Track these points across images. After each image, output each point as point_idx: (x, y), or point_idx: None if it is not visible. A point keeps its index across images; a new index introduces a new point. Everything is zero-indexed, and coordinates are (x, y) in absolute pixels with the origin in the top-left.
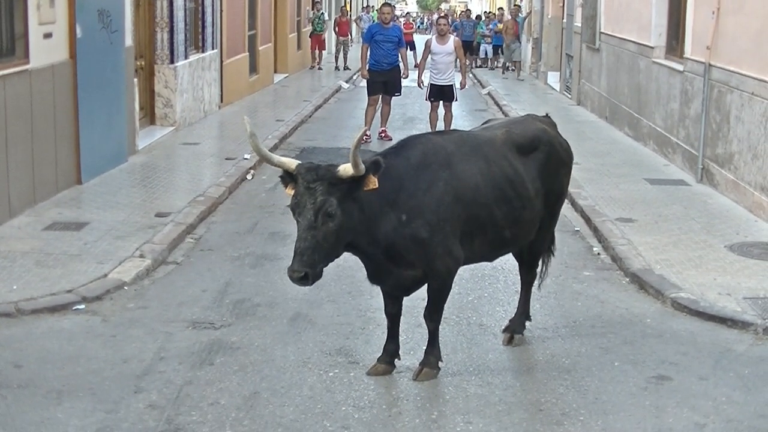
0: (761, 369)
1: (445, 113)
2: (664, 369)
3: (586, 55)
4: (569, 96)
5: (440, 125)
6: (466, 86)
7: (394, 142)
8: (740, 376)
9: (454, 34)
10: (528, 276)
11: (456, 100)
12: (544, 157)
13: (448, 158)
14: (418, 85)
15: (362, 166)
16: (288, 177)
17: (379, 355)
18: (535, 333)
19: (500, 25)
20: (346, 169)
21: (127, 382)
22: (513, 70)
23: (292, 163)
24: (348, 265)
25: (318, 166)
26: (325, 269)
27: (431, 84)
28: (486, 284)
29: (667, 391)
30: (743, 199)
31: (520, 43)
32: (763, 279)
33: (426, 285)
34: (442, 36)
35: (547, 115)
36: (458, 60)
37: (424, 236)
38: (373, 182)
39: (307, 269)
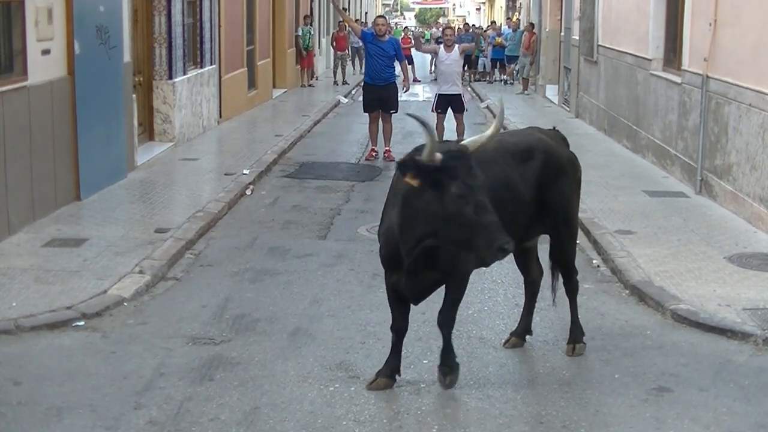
0: (761, 379)
1: (457, 125)
2: (664, 381)
3: (584, 68)
4: (568, 109)
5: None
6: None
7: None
8: (741, 387)
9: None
10: (568, 286)
11: (466, 110)
12: (540, 165)
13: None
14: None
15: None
16: (419, 168)
17: (379, 369)
18: (535, 346)
19: (499, 39)
20: (474, 143)
21: (127, 398)
22: (511, 83)
23: (438, 156)
24: (347, 280)
25: (464, 147)
26: (326, 284)
27: (438, 95)
28: (486, 298)
29: (668, 402)
30: (742, 210)
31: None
32: (762, 290)
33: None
34: (448, 46)
35: (555, 128)
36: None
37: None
38: None
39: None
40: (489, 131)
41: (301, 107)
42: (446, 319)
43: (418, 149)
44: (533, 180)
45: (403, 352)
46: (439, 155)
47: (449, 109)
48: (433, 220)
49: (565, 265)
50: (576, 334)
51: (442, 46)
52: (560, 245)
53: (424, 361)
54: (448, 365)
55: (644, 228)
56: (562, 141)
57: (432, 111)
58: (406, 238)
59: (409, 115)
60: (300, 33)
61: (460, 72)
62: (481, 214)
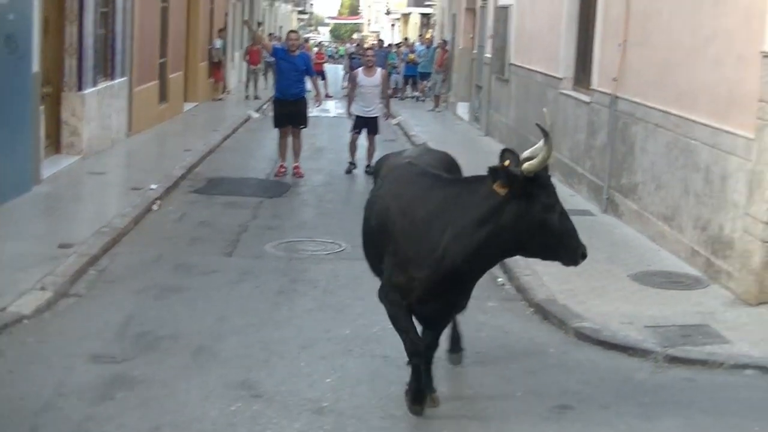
0: (661, 396)
1: (369, 145)
2: (566, 398)
3: (496, 86)
4: (478, 126)
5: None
6: (392, 117)
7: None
8: (641, 404)
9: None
10: None
11: (379, 132)
12: None
13: None
14: (348, 115)
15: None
16: (511, 177)
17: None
18: (438, 364)
19: (411, 56)
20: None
21: (23, 420)
22: (423, 100)
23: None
24: (252, 297)
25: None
26: (231, 301)
27: (357, 116)
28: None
29: (569, 420)
30: (646, 228)
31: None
32: (664, 307)
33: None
34: (369, 68)
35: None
36: (383, 92)
37: None
38: None
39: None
40: (542, 145)
41: (211, 121)
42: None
43: (388, 157)
44: None
45: (306, 371)
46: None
47: (365, 129)
48: (520, 232)
49: None
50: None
51: (361, 69)
52: None
53: (327, 380)
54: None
55: None
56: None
57: (350, 131)
58: (482, 255)
59: (537, 125)
60: (219, 46)
61: (379, 95)
62: (564, 222)
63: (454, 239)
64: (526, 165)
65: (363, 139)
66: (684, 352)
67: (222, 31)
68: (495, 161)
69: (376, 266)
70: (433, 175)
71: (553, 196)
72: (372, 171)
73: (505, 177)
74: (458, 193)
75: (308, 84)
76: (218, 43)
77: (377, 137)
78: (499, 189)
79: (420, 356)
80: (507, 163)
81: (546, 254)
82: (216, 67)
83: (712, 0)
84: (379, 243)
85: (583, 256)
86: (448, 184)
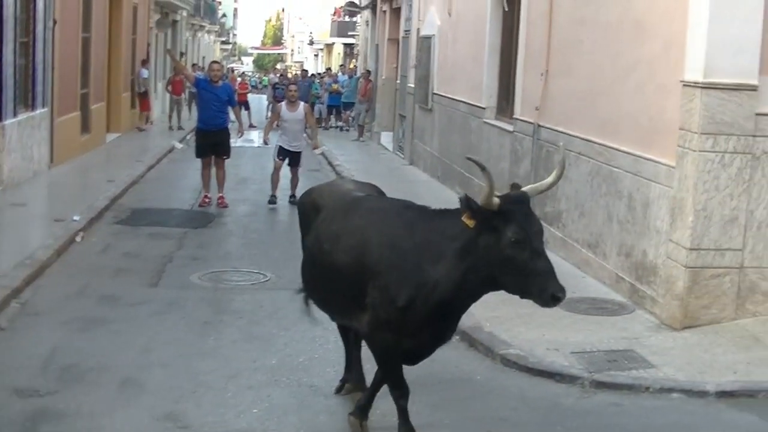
0: (589, 421)
1: (292, 176)
2: (494, 425)
3: (419, 116)
4: (402, 156)
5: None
6: (320, 148)
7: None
8: (569, 429)
9: None
10: None
11: (300, 166)
12: None
13: None
14: (264, 143)
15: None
16: (476, 210)
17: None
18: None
19: (335, 86)
20: (533, 189)
21: None
22: (347, 130)
23: (497, 200)
24: (178, 328)
25: (522, 194)
26: (157, 332)
27: (280, 146)
28: (317, 345)
29: None
30: (571, 255)
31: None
32: (589, 334)
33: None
34: (292, 103)
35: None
36: (308, 124)
37: None
38: None
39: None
40: (550, 179)
41: (135, 152)
42: None
43: (320, 189)
44: None
45: (233, 401)
46: (497, 199)
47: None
48: (491, 265)
49: None
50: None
51: (284, 104)
52: None
53: (254, 410)
54: None
55: None
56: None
57: (274, 159)
58: (467, 288)
59: (468, 158)
60: (146, 76)
61: (302, 130)
62: (535, 260)
63: (442, 271)
64: (481, 197)
65: (286, 170)
66: (610, 377)
67: (146, 62)
68: (419, 190)
69: (332, 301)
70: (417, 207)
71: (522, 232)
72: (297, 202)
73: (466, 208)
74: (444, 224)
75: (231, 114)
76: (145, 72)
77: (300, 169)
78: (467, 221)
79: (406, 398)
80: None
81: (520, 292)
82: (142, 97)
83: (632, 30)
84: (352, 279)
85: (554, 298)
86: (434, 216)
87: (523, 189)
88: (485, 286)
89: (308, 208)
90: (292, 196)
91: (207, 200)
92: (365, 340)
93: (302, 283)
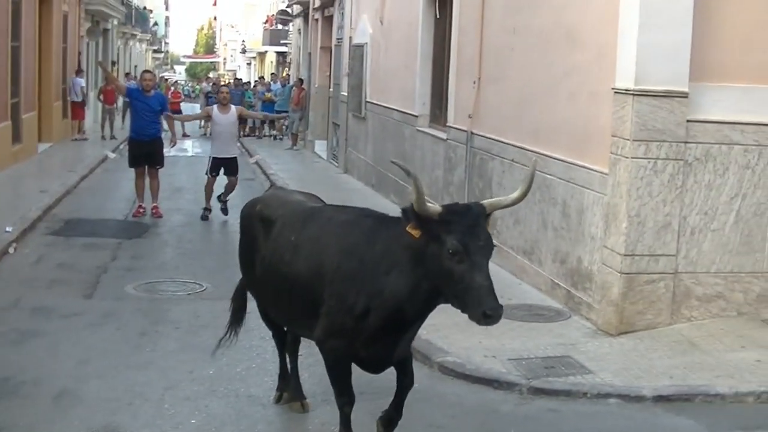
0: (527, 428)
1: (228, 184)
2: None
3: (353, 124)
4: (336, 164)
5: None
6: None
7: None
8: None
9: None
10: None
11: (237, 173)
12: None
13: None
14: (183, 135)
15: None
16: (419, 218)
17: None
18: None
19: (268, 94)
20: (492, 204)
21: None
22: (281, 139)
23: (437, 208)
24: (114, 340)
25: (468, 205)
26: (92, 344)
27: (213, 158)
28: (254, 355)
29: None
30: (507, 263)
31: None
32: (526, 340)
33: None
34: (224, 106)
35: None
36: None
37: None
38: None
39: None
40: (515, 195)
41: (67, 162)
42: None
43: (266, 200)
44: None
45: (170, 412)
46: (439, 207)
47: (222, 170)
48: (435, 276)
49: None
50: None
51: (215, 106)
52: None
53: (192, 421)
54: None
55: None
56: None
57: (206, 174)
58: (419, 297)
59: (393, 162)
60: (83, 84)
61: (236, 134)
62: (472, 274)
63: (396, 279)
64: (414, 204)
65: (222, 179)
66: (548, 383)
67: (80, 71)
68: (354, 198)
69: (289, 312)
70: (376, 215)
71: (460, 244)
72: (225, 208)
73: (413, 217)
74: (401, 232)
75: (164, 124)
76: (81, 81)
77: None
78: (411, 231)
79: (351, 406)
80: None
81: (458, 306)
82: (78, 107)
83: (564, 37)
84: (311, 288)
85: (486, 316)
86: (392, 223)
87: (483, 202)
88: (438, 295)
89: (255, 220)
90: (224, 203)
91: (141, 210)
92: (318, 347)
93: (254, 297)
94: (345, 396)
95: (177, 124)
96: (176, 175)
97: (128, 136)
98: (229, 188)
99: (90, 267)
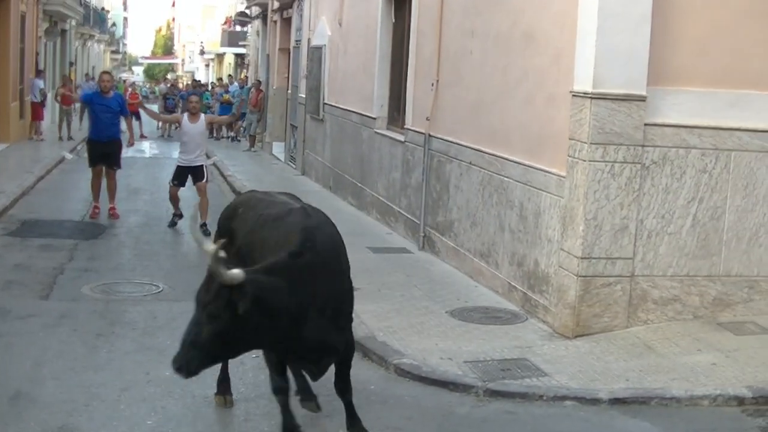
0: (483, 430)
1: (201, 198)
2: None
3: (311, 126)
4: (294, 166)
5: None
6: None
7: (121, 217)
8: None
9: (181, 104)
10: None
11: (208, 180)
12: None
13: (340, 239)
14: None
15: (228, 276)
16: None
17: None
18: (260, 404)
19: (226, 96)
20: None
21: None
22: (238, 140)
23: (210, 248)
24: (71, 341)
25: (222, 259)
26: (48, 345)
27: (178, 166)
28: None
29: None
30: (463, 265)
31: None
32: (483, 342)
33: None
34: (193, 115)
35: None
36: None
37: (346, 326)
38: (243, 306)
39: (183, 364)
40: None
41: (24, 163)
42: (346, 387)
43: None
44: None
45: (126, 413)
46: (212, 248)
47: (188, 178)
48: None
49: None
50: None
51: (186, 114)
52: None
53: (148, 422)
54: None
55: (368, 284)
56: None
57: (169, 182)
58: None
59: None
60: (42, 86)
61: (204, 142)
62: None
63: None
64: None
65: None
66: (504, 385)
67: (41, 72)
68: (311, 200)
69: None
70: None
71: None
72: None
73: None
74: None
75: (122, 124)
76: (40, 83)
77: (209, 184)
78: None
79: (281, 393)
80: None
81: None
82: (37, 107)
83: (522, 40)
84: None
85: (173, 364)
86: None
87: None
88: None
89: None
90: (203, 224)
91: (97, 211)
92: None
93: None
94: (272, 384)
95: (135, 125)
96: (133, 176)
97: (87, 137)
98: (204, 206)
99: (46, 268)
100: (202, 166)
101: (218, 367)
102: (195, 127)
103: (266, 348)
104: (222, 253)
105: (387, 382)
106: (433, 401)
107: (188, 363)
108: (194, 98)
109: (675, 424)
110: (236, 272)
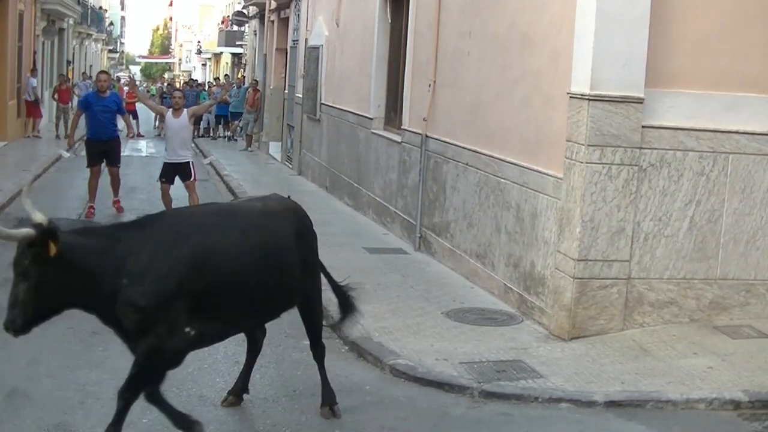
0: (478, 431)
1: (190, 195)
2: None
3: (307, 126)
4: (290, 166)
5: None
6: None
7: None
8: None
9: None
10: (316, 350)
11: (196, 179)
12: (295, 229)
13: (192, 230)
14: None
15: (11, 233)
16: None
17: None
18: (256, 403)
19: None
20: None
21: None
22: (235, 140)
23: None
24: (66, 339)
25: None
26: (44, 343)
27: (164, 162)
28: (206, 355)
29: None
30: (459, 266)
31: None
32: (478, 343)
33: None
34: (176, 110)
35: (289, 197)
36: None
37: (141, 304)
38: (52, 248)
39: (9, 324)
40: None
41: (21, 161)
42: (122, 388)
43: None
44: (294, 242)
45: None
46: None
47: (176, 178)
48: None
49: (317, 329)
50: (330, 397)
51: (170, 110)
52: (313, 311)
53: (144, 421)
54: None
55: (364, 285)
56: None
57: (158, 180)
58: None
59: None
60: (35, 84)
61: (189, 138)
62: None
63: None
64: None
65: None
66: (499, 387)
67: (34, 71)
68: (307, 200)
69: None
70: None
71: None
72: None
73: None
74: None
75: (120, 123)
76: (34, 81)
77: (196, 182)
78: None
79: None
80: None
81: None
82: (32, 106)
83: (519, 41)
84: None
85: (3, 327)
86: None
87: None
88: None
89: None
90: None
91: (92, 211)
92: None
93: None
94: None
95: (132, 123)
96: (130, 175)
97: (85, 136)
98: (194, 204)
99: None
100: (188, 163)
101: (221, 367)
102: (178, 122)
103: (84, 308)
104: (29, 204)
105: (382, 382)
106: (429, 402)
107: (13, 322)
108: (177, 94)
109: (670, 428)
110: (25, 230)
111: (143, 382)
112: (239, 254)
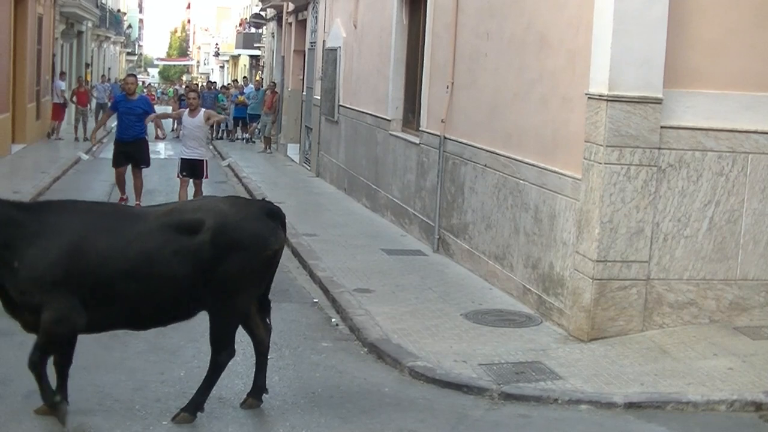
0: None
1: (195, 191)
2: None
3: (325, 128)
4: (308, 168)
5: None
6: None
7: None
8: None
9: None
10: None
11: (206, 177)
12: (208, 239)
13: (77, 225)
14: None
15: None
16: None
17: None
18: (274, 405)
19: (241, 97)
20: None
21: None
22: (253, 142)
23: None
24: (84, 340)
25: None
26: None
27: (181, 159)
28: None
29: None
30: (478, 267)
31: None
32: (497, 345)
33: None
34: (192, 110)
35: (264, 199)
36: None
37: (26, 287)
38: None
39: None
40: None
41: (40, 163)
42: (28, 361)
43: None
44: (193, 254)
45: (140, 414)
46: None
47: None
48: None
49: (213, 340)
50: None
51: (187, 110)
52: (212, 320)
53: (164, 422)
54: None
55: (382, 286)
56: (267, 214)
57: (177, 176)
58: None
59: None
60: (63, 87)
61: (204, 137)
62: None
63: None
64: None
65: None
66: (518, 388)
67: (63, 74)
68: (325, 202)
69: None
70: None
71: None
72: None
73: None
74: None
75: (149, 125)
76: (62, 84)
77: (205, 181)
78: None
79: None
80: None
81: None
82: (58, 108)
83: (537, 43)
84: None
85: None
86: None
87: None
88: None
89: None
90: None
91: (125, 199)
92: None
93: None
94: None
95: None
96: (149, 177)
97: (103, 137)
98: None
99: None
100: (203, 161)
101: (239, 369)
102: (193, 121)
103: None
104: None
105: (401, 384)
106: (447, 404)
107: None
108: (192, 94)
109: (691, 430)
110: None
111: (43, 354)
112: (117, 259)
